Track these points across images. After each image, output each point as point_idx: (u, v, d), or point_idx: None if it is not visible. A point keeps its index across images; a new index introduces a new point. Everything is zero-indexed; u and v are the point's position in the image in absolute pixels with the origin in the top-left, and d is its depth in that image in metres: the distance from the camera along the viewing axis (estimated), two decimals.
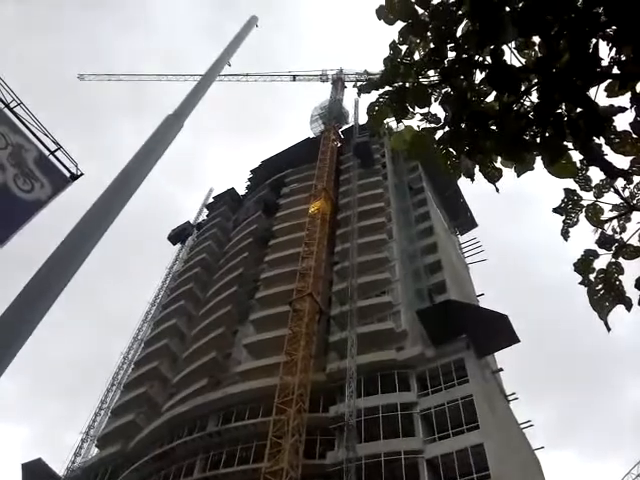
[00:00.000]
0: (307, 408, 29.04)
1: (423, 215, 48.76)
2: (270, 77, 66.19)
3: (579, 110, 2.45)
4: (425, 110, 2.63)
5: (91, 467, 39.68)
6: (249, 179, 66.58)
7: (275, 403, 28.93)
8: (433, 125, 2.64)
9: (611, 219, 2.72)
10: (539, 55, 2.56)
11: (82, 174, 6.84)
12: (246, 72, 63.86)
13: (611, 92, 2.54)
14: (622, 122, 2.52)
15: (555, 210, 2.71)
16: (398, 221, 47.11)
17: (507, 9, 2.39)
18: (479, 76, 2.58)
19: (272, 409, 29.01)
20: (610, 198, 2.72)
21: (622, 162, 2.62)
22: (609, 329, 2.47)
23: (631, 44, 2.36)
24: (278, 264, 44.59)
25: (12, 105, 6.51)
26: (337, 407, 31.31)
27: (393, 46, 2.58)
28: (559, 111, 2.48)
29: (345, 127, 60.54)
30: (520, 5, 2.37)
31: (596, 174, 2.67)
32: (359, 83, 2.66)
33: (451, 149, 2.63)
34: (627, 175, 2.66)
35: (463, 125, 2.56)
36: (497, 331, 32.93)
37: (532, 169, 2.67)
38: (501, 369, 38.20)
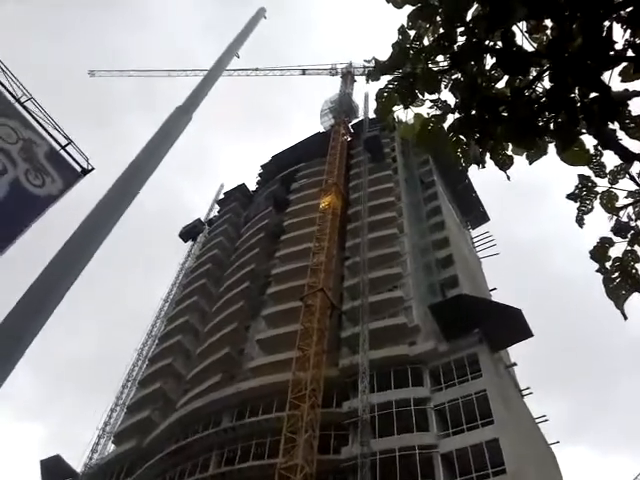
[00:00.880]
0: (320, 403, 29.07)
1: (434, 209, 48.49)
2: (280, 71, 66.24)
3: (593, 95, 2.40)
4: (435, 96, 2.59)
5: (108, 464, 40.15)
6: (259, 174, 66.73)
7: (288, 398, 29.01)
8: (443, 112, 2.60)
9: (626, 206, 2.66)
10: (551, 38, 2.51)
11: (93, 168, 6.87)
12: (255, 67, 63.97)
13: (626, 76, 2.48)
14: (637, 107, 2.47)
15: (569, 197, 2.66)
16: (409, 215, 46.90)
17: None
18: (490, 61, 2.54)
19: (285, 404, 29.12)
20: (625, 184, 2.67)
21: (637, 147, 2.56)
22: (625, 318, 2.43)
23: None
24: (289, 259, 44.68)
25: (23, 100, 6.54)
26: (350, 402, 31.34)
27: (402, 31, 2.54)
28: (572, 96, 2.42)
29: (355, 121, 60.43)
30: None
31: (610, 160, 2.62)
32: (367, 69, 2.63)
33: (461, 136, 2.58)
34: None
35: (473, 111, 2.52)
36: (510, 325, 32.66)
37: (545, 154, 2.62)
38: (515, 364, 37.92)
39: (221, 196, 69.44)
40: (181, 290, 55.21)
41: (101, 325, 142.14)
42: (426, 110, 2.64)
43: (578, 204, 2.68)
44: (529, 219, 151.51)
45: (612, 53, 2.38)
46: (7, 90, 6.41)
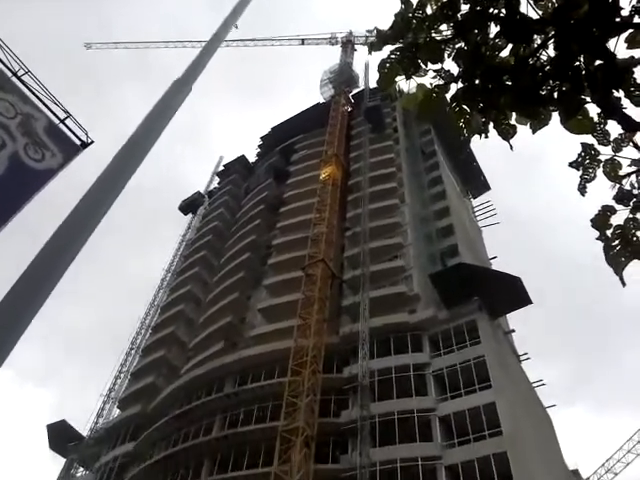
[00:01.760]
0: (321, 369, 29.62)
1: (435, 179, 48.28)
2: (278, 41, 64.88)
3: (598, 62, 2.37)
4: (438, 66, 2.56)
5: (113, 427, 41.24)
6: (259, 146, 66.06)
7: (290, 365, 29.55)
8: (446, 82, 2.58)
9: (629, 174, 2.66)
10: (556, 6, 2.47)
11: (92, 142, 6.82)
12: (253, 37, 62.55)
13: (632, 43, 2.44)
14: None
15: (572, 164, 2.66)
16: (410, 186, 46.69)
17: None
18: (494, 29, 2.50)
19: (287, 371, 29.67)
20: (629, 152, 2.66)
21: None
22: (624, 284, 2.47)
23: None
24: (290, 230, 44.73)
25: (20, 74, 6.44)
26: (350, 368, 31.93)
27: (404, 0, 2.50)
28: (577, 64, 2.40)
29: (356, 91, 59.38)
30: None
31: (614, 128, 2.61)
32: (370, 39, 2.60)
33: (464, 106, 2.57)
34: None
35: (477, 81, 2.50)
36: (510, 293, 32.97)
37: (547, 124, 2.61)
38: (513, 330, 38.42)
39: (220, 168, 68.99)
40: (182, 261, 55.51)
41: (111, 293, 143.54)
42: (429, 80, 2.62)
43: (581, 172, 2.68)
44: (530, 189, 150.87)
45: (618, 20, 2.34)
46: (4, 64, 6.31)
